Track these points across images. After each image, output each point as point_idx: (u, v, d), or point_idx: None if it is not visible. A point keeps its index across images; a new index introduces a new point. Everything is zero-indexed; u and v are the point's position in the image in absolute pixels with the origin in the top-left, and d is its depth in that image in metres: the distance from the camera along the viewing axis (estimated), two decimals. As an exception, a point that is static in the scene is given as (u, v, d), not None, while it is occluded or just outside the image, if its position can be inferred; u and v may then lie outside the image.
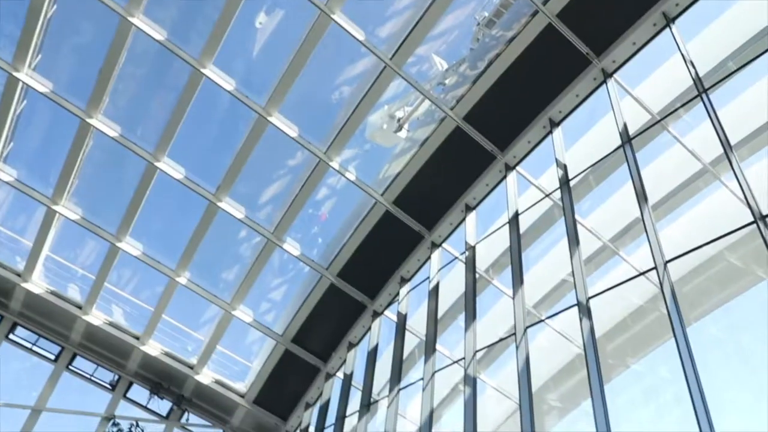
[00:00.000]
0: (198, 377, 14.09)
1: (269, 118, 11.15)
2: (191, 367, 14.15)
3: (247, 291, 13.43)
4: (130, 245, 12.78)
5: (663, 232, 9.40)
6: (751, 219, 6.80)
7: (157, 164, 11.73)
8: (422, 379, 10.52)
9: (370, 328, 13.34)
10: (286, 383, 14.65)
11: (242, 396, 14.65)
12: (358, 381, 13.02)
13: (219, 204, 12.19)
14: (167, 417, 14.47)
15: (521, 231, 10.52)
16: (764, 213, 6.78)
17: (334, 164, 11.79)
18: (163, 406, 14.51)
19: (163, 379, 14.27)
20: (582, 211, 10.84)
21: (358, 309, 13.64)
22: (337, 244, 13.27)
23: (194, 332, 14.84)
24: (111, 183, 13.69)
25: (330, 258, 13.26)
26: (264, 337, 14.38)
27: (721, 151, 7.76)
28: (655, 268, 7.51)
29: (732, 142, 8.25)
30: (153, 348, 13.91)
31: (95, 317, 13.57)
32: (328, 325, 14.06)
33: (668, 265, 7.48)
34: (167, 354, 14.04)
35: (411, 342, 12.46)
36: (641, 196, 8.32)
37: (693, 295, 10.52)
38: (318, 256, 13.42)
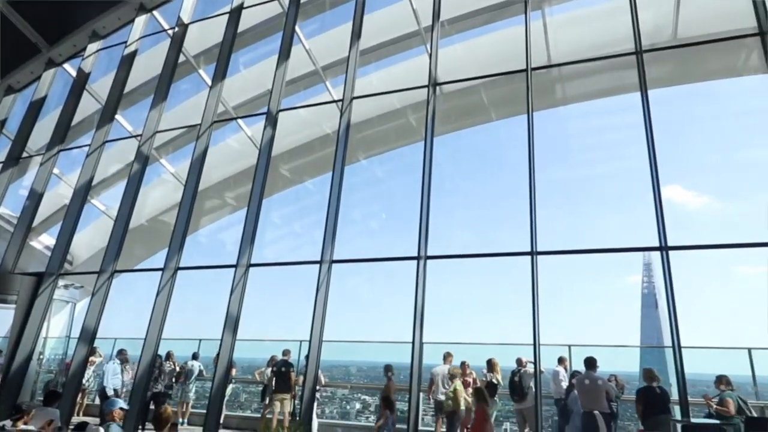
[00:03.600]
0: None
1: None
2: None
3: None
4: None
5: (366, 77, 10.15)
6: (427, 83, 7.78)
7: None
8: (89, 145, 9.66)
9: (40, 77, 11.36)
10: None
11: None
12: (11, 131, 11.23)
13: None
14: None
15: (241, 28, 9.96)
16: (439, 81, 7.86)
17: None
18: None
19: None
20: (307, 31, 10.80)
21: (29, 50, 11.32)
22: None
23: None
24: None
25: (3, -25, 10.44)
26: None
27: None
28: (342, 100, 8.06)
29: (445, 17, 9.12)
30: None
31: None
32: (-17, 57, 11.44)
33: (354, 101, 8.10)
34: None
35: (90, 108, 11.17)
36: (355, 35, 8.65)
37: (373, 138, 11.98)
38: (-14, -32, 10.42)
